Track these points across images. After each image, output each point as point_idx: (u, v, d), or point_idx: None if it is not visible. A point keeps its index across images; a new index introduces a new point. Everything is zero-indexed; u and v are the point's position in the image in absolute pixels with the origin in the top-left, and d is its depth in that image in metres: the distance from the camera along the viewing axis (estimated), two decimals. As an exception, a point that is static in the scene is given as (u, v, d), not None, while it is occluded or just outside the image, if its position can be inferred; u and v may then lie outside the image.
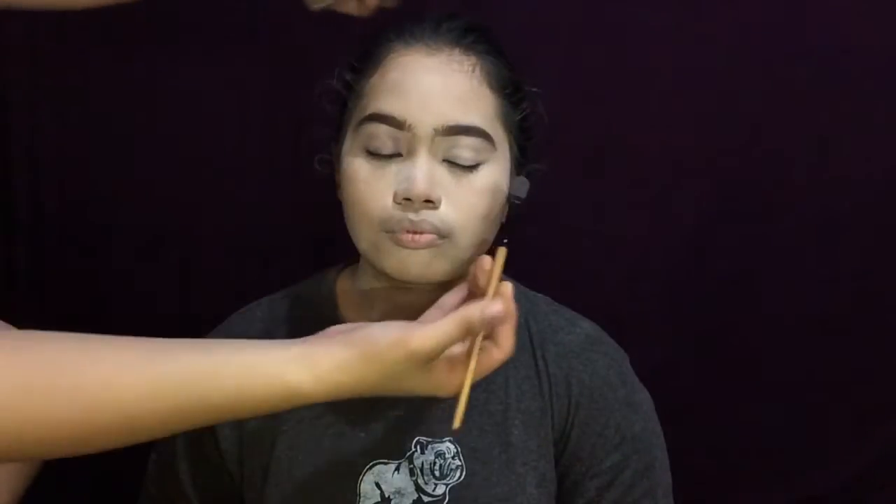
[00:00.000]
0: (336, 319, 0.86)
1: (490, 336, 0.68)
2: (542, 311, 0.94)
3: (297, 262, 1.17)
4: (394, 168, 0.80)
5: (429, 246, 0.80)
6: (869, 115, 1.23)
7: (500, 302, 0.67)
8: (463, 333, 0.65)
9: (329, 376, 0.63)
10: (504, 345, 0.68)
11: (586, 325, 0.93)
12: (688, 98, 1.21)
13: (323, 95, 0.87)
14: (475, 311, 0.65)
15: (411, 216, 0.78)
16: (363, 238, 0.81)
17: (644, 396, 0.93)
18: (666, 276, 1.28)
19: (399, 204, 0.78)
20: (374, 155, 0.80)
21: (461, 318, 0.65)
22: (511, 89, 0.84)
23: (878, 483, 1.32)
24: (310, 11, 0.96)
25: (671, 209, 1.25)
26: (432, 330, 0.64)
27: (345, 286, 0.92)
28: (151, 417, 0.61)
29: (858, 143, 1.24)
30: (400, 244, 0.79)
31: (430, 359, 0.64)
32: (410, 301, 0.83)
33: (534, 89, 0.87)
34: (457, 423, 0.66)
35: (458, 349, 0.67)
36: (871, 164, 1.25)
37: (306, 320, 0.86)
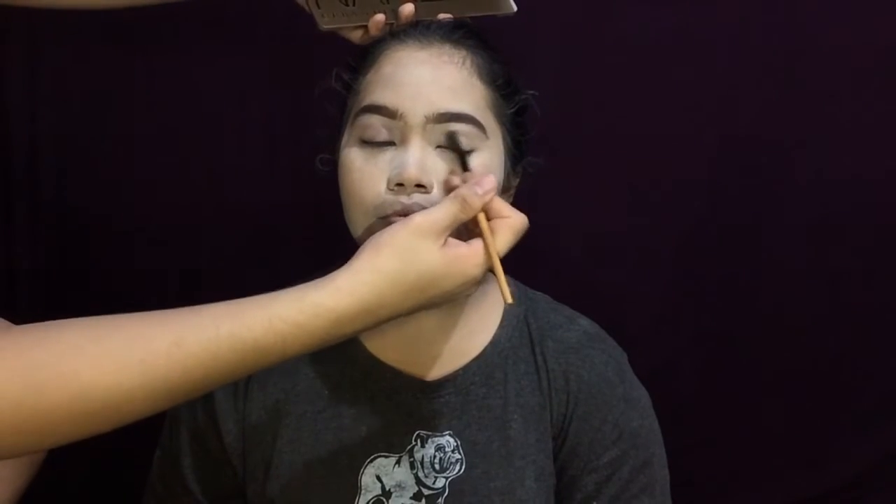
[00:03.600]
0: None
1: (493, 217, 0.73)
2: (542, 308, 0.94)
3: (298, 261, 1.17)
4: (387, 156, 0.80)
5: None
6: (869, 115, 1.23)
7: (488, 176, 0.75)
8: (459, 206, 0.71)
9: (347, 283, 0.66)
10: (508, 212, 0.73)
11: (585, 323, 0.94)
12: (689, 97, 1.21)
13: (323, 96, 0.87)
14: (465, 186, 0.73)
15: (403, 199, 0.78)
16: (358, 225, 0.81)
17: (642, 393, 0.93)
18: (666, 276, 1.28)
19: (392, 190, 0.79)
20: (367, 144, 0.81)
21: (454, 193, 0.73)
22: (502, 82, 0.85)
23: (878, 483, 1.33)
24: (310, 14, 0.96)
25: (671, 209, 1.25)
26: (430, 209, 0.71)
27: None
28: (182, 372, 0.60)
29: (859, 144, 1.24)
30: None
31: (435, 232, 0.69)
32: None
33: (531, 92, 0.87)
34: (508, 298, 0.72)
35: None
36: (871, 164, 1.25)
37: None
